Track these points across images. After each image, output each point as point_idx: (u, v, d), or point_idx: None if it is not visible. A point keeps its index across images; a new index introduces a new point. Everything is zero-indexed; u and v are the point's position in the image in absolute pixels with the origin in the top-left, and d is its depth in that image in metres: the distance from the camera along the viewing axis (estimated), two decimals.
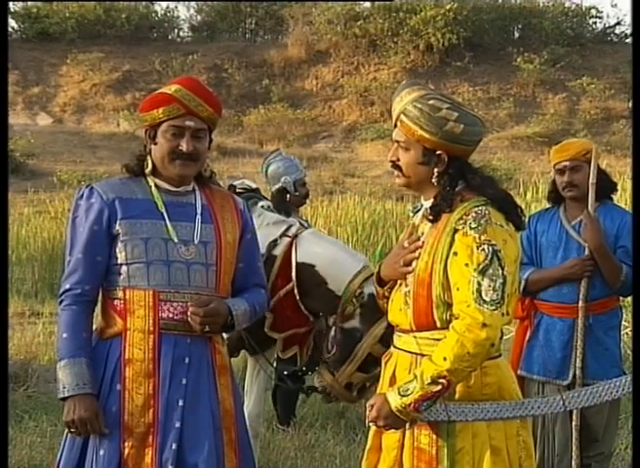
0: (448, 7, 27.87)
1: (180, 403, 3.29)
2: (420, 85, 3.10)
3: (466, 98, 26.48)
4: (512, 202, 3.07)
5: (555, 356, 4.52)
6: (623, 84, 27.75)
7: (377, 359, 4.64)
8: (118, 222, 3.34)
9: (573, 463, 4.45)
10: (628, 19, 31.72)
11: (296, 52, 29.42)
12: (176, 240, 3.34)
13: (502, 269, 2.89)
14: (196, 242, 3.37)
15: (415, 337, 3.02)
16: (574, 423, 4.46)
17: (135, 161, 3.45)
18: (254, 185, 5.63)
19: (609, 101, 27.41)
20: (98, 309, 3.45)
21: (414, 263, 3.02)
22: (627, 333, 8.56)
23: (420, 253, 3.01)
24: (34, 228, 15.69)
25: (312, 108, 28.10)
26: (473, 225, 2.92)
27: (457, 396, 2.99)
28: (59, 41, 29.54)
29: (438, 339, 2.94)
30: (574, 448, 4.45)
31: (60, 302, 3.40)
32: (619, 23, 31.69)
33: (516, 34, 30.61)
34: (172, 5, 41.87)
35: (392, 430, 3.02)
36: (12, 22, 29.90)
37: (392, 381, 3.08)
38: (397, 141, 3.07)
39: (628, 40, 30.87)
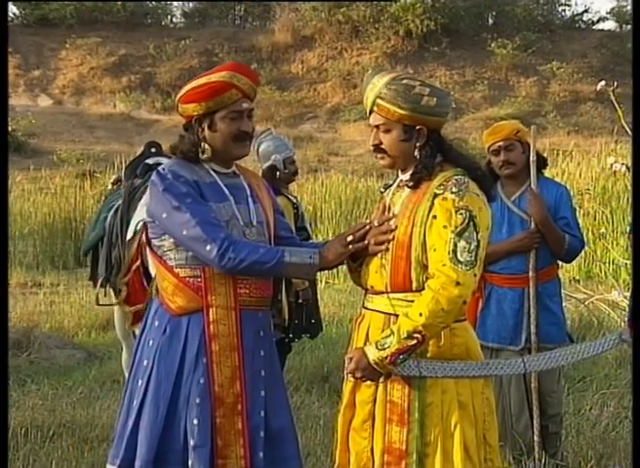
0: None
1: (262, 373, 3.30)
2: (386, 70, 3.16)
3: (443, 82, 26.46)
4: (484, 174, 3.15)
5: (508, 324, 4.55)
6: (591, 68, 27.80)
7: None
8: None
9: (535, 423, 4.48)
10: (595, 7, 31.83)
11: (282, 37, 29.31)
12: (241, 222, 3.27)
13: (477, 234, 2.93)
14: (255, 223, 3.30)
15: (389, 298, 3.04)
16: (532, 385, 4.50)
17: (189, 148, 3.25)
18: None
19: (577, 85, 27.44)
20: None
21: (384, 244, 3.04)
22: (593, 302, 8.60)
23: (394, 235, 3.03)
24: (35, 204, 15.62)
25: (298, 91, 28.03)
26: (454, 190, 2.96)
27: (428, 354, 3.02)
28: (58, 26, 29.35)
29: (411, 301, 2.97)
30: (534, 409, 4.48)
31: (227, 249, 3.09)
32: (586, 11, 31.91)
33: (490, 21, 30.62)
34: None
35: (368, 382, 3.06)
36: (13, 8, 29.74)
37: (366, 341, 3.10)
38: (377, 126, 3.08)
39: (595, 26, 30.98)
